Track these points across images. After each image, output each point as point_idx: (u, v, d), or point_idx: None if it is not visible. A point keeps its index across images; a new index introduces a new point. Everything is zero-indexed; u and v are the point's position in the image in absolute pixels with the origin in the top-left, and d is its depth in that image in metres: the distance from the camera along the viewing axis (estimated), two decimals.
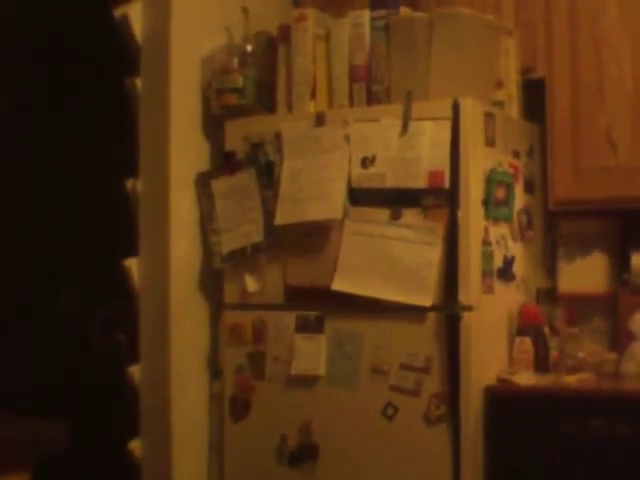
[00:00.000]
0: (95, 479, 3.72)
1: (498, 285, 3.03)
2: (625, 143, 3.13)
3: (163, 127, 3.24)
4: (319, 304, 3.10)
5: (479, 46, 3.07)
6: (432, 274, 2.91)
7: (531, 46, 3.28)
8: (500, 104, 3.15)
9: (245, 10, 3.33)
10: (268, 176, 3.20)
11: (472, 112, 2.94)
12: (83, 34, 3.88)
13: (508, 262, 3.08)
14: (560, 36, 3.22)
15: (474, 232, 2.93)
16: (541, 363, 3.04)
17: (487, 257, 2.98)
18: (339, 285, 3.03)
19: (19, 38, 4.00)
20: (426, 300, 2.91)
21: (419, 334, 2.94)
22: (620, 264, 3.28)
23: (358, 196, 3.05)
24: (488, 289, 2.98)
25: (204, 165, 3.35)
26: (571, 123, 3.19)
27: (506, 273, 3.08)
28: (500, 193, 3.03)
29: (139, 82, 3.31)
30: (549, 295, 3.34)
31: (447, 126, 2.93)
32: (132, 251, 3.31)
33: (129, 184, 3.35)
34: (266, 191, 3.19)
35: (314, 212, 3.07)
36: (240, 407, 3.22)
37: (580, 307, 3.29)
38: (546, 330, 3.10)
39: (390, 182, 3.00)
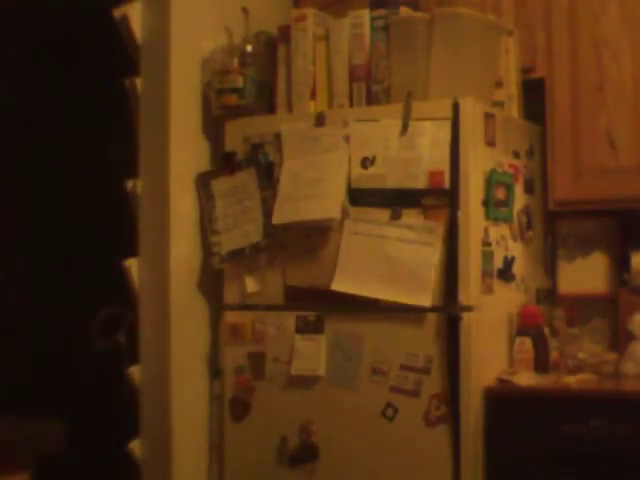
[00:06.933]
0: (95, 479, 3.72)
1: (498, 285, 3.03)
2: (625, 143, 3.13)
3: (163, 127, 3.24)
4: (319, 304, 3.09)
5: (479, 46, 3.07)
6: (432, 274, 2.91)
7: (531, 46, 3.28)
8: (500, 104, 3.15)
9: (245, 10, 3.33)
10: (268, 176, 3.19)
11: (472, 112, 2.94)
12: (83, 34, 3.88)
13: (508, 262, 3.08)
14: (560, 36, 3.22)
15: (474, 232, 2.93)
16: (541, 363, 3.04)
17: (487, 257, 2.98)
18: (339, 285, 3.03)
19: (19, 38, 4.00)
20: (426, 300, 2.91)
21: (419, 334, 2.94)
22: (620, 264, 3.28)
23: (358, 196, 3.05)
24: (488, 289, 2.98)
25: (204, 165, 3.35)
26: (571, 123, 3.20)
27: (506, 273, 3.08)
28: (500, 193, 3.03)
29: (139, 82, 3.31)
30: (549, 295, 3.34)
31: (447, 126, 2.93)
32: (132, 251, 3.31)
33: (129, 184, 3.35)
34: (266, 191, 3.19)
35: (312, 211, 3.07)
36: (240, 407, 3.22)
37: (580, 307, 3.30)
38: (546, 330, 3.10)
39: (390, 182, 2.99)
